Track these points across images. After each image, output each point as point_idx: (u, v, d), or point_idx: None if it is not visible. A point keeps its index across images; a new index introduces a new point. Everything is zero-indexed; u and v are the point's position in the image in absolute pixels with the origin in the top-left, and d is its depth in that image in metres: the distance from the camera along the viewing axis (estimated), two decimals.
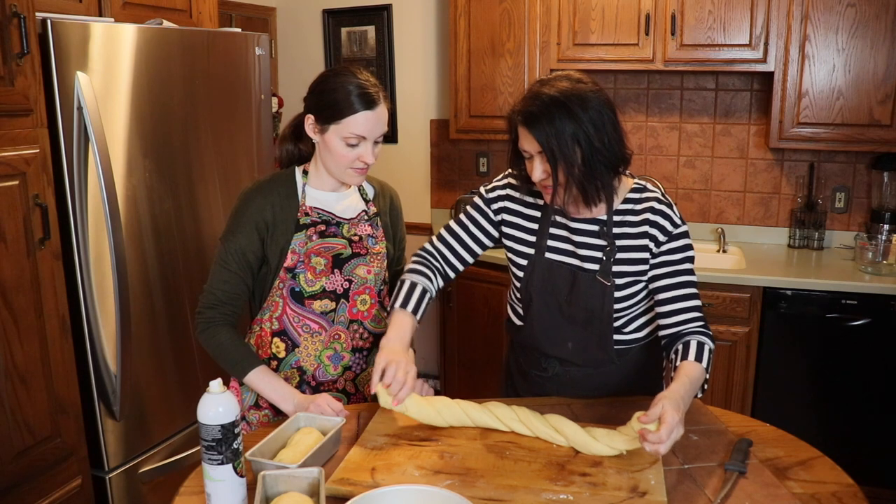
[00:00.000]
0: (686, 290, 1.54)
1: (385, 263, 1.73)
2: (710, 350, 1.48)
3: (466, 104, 3.38)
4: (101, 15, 2.31)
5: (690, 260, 1.57)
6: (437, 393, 1.65)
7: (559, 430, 1.40)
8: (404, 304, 1.58)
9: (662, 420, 1.25)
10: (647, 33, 3.03)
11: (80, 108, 2.00)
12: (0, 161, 1.83)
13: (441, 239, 1.71)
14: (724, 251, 3.29)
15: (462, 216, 1.71)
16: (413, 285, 1.61)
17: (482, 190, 1.71)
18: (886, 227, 2.96)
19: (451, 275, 1.72)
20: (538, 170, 1.47)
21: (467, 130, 3.42)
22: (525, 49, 3.21)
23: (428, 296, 1.62)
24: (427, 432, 1.46)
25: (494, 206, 1.67)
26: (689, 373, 1.41)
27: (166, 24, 2.35)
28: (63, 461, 2.06)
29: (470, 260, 1.71)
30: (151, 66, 2.22)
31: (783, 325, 2.80)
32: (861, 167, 3.16)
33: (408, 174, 3.89)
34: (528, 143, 1.46)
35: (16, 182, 1.87)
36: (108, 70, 2.09)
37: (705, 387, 1.47)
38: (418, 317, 1.60)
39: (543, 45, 3.18)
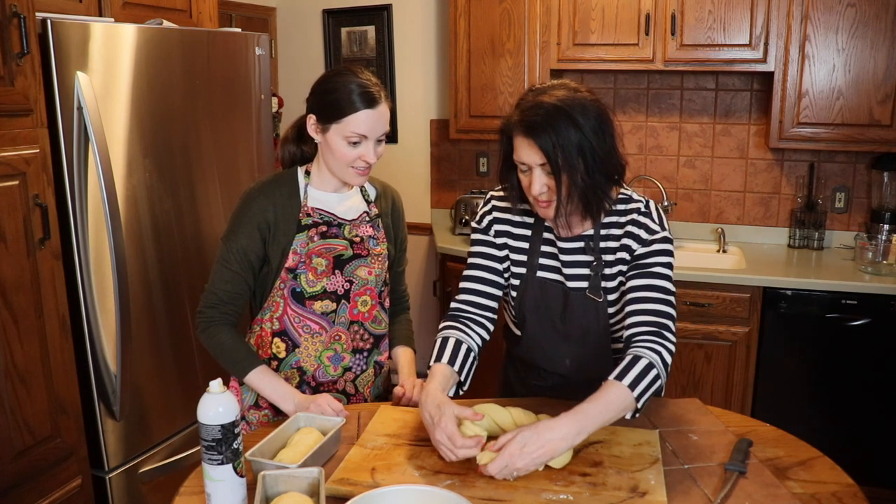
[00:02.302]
0: (649, 293, 1.45)
1: (386, 265, 1.73)
2: (654, 376, 1.34)
3: (466, 104, 3.38)
4: (101, 15, 2.31)
5: (664, 265, 1.48)
6: None
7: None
8: (438, 359, 1.51)
9: (501, 452, 1.23)
10: (647, 33, 3.03)
11: (80, 108, 2.00)
12: (0, 161, 1.83)
13: (463, 290, 1.62)
14: (724, 251, 3.29)
15: (470, 259, 1.64)
16: (445, 339, 1.54)
17: (473, 224, 1.67)
18: (886, 227, 2.96)
19: (490, 317, 1.62)
20: (538, 182, 1.42)
21: (467, 130, 3.42)
22: (525, 49, 3.21)
23: (464, 346, 1.53)
24: (427, 432, 1.45)
25: (492, 231, 1.63)
26: (606, 396, 1.31)
27: (166, 24, 2.35)
28: (63, 461, 2.06)
29: (500, 294, 1.64)
30: (151, 66, 2.22)
31: (783, 325, 2.80)
32: (861, 167, 3.16)
33: (408, 174, 3.89)
34: (528, 155, 1.41)
35: (16, 182, 1.87)
36: (108, 70, 2.09)
37: (636, 415, 1.35)
38: (456, 366, 1.51)
39: (543, 45, 3.18)
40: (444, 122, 3.76)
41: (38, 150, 1.93)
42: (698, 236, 3.42)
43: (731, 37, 2.94)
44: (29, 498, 1.96)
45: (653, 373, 1.35)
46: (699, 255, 3.29)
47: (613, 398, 1.31)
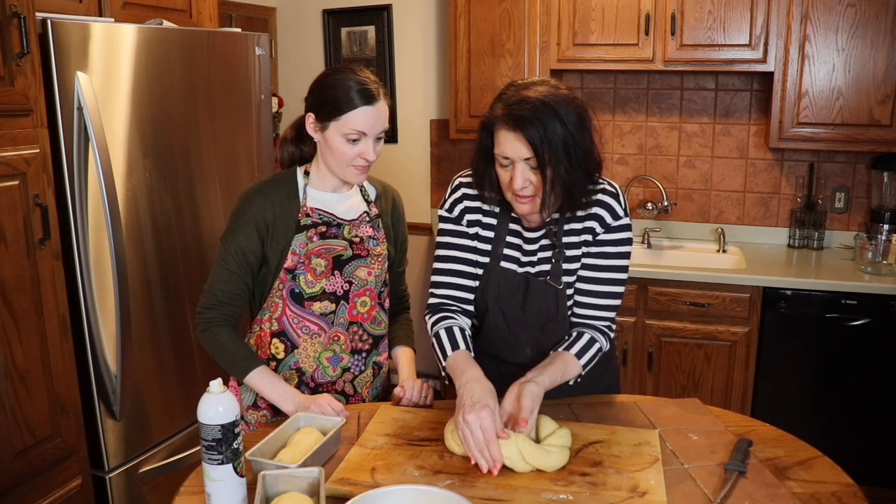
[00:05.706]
0: (607, 286, 1.55)
1: (386, 265, 1.73)
2: (598, 349, 1.54)
3: (466, 104, 3.37)
4: (101, 15, 2.31)
5: (625, 256, 1.55)
6: (436, 393, 1.65)
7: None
8: (456, 347, 1.50)
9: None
10: (646, 33, 3.03)
11: (80, 108, 2.00)
12: (0, 161, 1.83)
13: (441, 285, 1.61)
14: (724, 251, 3.29)
15: (444, 250, 1.61)
16: (450, 328, 1.53)
17: (443, 213, 1.63)
18: (886, 227, 2.96)
19: (471, 310, 1.63)
20: (520, 178, 1.42)
21: (467, 130, 3.42)
22: (525, 49, 3.21)
23: (468, 334, 1.55)
24: (427, 432, 1.45)
25: (464, 221, 1.61)
26: (565, 363, 1.49)
27: (166, 24, 2.35)
28: (63, 461, 2.06)
29: (476, 285, 1.62)
30: (151, 66, 2.22)
31: (783, 325, 2.80)
32: (861, 167, 3.16)
33: (408, 174, 3.89)
34: (513, 149, 1.40)
35: (16, 182, 1.87)
36: (108, 70, 2.09)
37: (578, 380, 1.54)
38: (472, 353, 1.52)
39: (543, 45, 3.18)
40: (444, 122, 3.76)
41: (38, 150, 1.93)
42: (698, 236, 3.43)
43: (730, 37, 2.94)
44: (29, 498, 1.96)
45: (594, 351, 1.53)
46: (699, 255, 3.29)
47: (568, 368, 1.50)
